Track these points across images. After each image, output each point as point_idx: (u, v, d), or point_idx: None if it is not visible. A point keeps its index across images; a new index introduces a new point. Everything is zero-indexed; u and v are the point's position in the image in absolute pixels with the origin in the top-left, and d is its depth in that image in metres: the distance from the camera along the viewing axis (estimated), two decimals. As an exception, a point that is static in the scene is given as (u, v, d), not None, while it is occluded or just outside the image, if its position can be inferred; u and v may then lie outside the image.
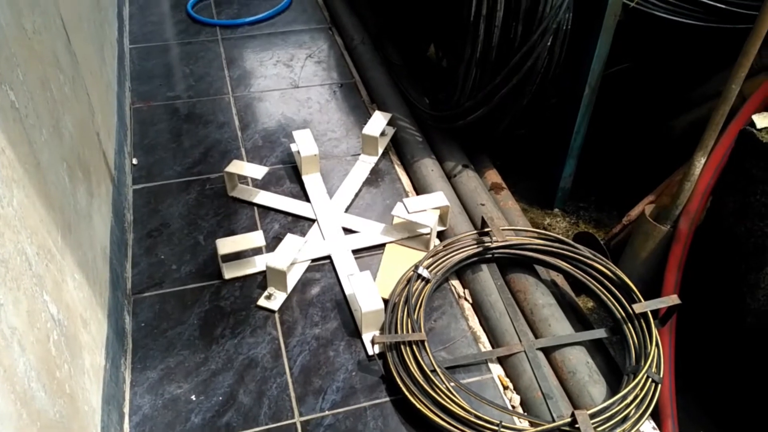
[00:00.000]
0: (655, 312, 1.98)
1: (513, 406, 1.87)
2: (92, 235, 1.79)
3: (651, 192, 2.58)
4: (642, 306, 1.95)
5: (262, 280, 2.21)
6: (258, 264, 2.25)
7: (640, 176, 2.81)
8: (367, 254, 2.33)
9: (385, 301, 2.06)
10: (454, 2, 2.50)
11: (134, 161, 2.69)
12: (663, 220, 2.35)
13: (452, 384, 1.82)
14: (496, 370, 1.97)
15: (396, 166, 2.73)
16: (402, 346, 1.90)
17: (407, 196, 2.58)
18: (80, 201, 1.72)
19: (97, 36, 2.52)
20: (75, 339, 1.46)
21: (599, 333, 2.02)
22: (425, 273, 2.10)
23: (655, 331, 1.91)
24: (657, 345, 1.88)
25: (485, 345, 2.05)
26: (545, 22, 2.22)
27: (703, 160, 2.19)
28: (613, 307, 2.01)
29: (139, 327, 2.06)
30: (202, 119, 2.96)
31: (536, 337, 2.03)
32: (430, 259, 2.18)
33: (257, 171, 2.46)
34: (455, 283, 2.24)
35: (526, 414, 1.85)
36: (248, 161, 2.72)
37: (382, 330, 2.02)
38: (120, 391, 1.80)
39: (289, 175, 2.66)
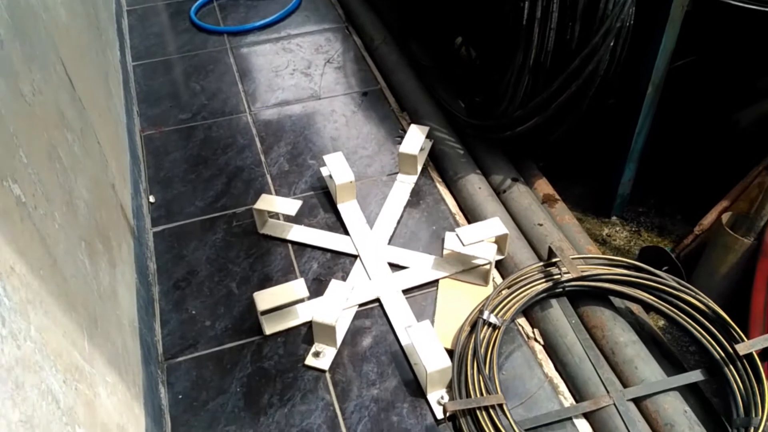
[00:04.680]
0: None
1: (609, 472, 1.66)
2: (119, 314, 1.57)
3: (723, 196, 2.34)
4: (746, 346, 1.71)
5: (306, 333, 1.99)
6: (301, 314, 2.02)
7: (704, 175, 2.56)
8: (419, 292, 2.10)
9: (448, 351, 1.84)
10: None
11: (151, 199, 2.45)
12: (744, 231, 2.12)
13: (539, 452, 1.60)
14: (583, 427, 1.75)
15: (438, 184, 2.48)
16: (478, 411, 1.68)
17: (454, 218, 2.33)
18: (103, 280, 1.49)
19: (100, 66, 2.26)
20: (114, 460, 1.24)
21: (695, 375, 1.79)
22: (493, 318, 1.86)
23: (764, 376, 1.68)
24: (770, 393, 1.65)
25: (566, 396, 1.82)
26: (608, 22, 1.96)
27: (794, 167, 1.94)
28: (710, 347, 1.77)
29: (176, 400, 1.84)
30: (220, 143, 2.71)
31: (622, 382, 1.80)
32: (496, 300, 1.94)
33: (290, 206, 2.21)
34: (522, 321, 2.01)
35: (625, 481, 1.63)
36: (275, 189, 2.48)
37: (449, 388, 1.79)
38: (165, 486, 1.59)
39: (322, 203, 2.42)
